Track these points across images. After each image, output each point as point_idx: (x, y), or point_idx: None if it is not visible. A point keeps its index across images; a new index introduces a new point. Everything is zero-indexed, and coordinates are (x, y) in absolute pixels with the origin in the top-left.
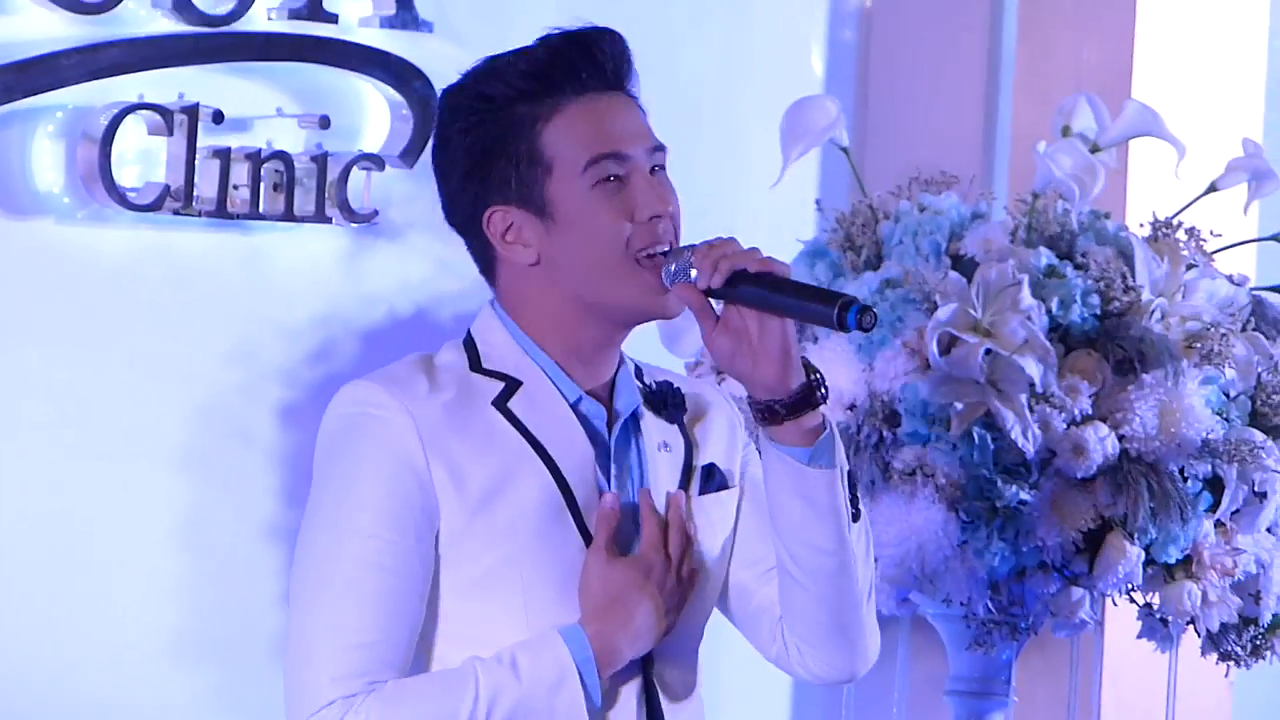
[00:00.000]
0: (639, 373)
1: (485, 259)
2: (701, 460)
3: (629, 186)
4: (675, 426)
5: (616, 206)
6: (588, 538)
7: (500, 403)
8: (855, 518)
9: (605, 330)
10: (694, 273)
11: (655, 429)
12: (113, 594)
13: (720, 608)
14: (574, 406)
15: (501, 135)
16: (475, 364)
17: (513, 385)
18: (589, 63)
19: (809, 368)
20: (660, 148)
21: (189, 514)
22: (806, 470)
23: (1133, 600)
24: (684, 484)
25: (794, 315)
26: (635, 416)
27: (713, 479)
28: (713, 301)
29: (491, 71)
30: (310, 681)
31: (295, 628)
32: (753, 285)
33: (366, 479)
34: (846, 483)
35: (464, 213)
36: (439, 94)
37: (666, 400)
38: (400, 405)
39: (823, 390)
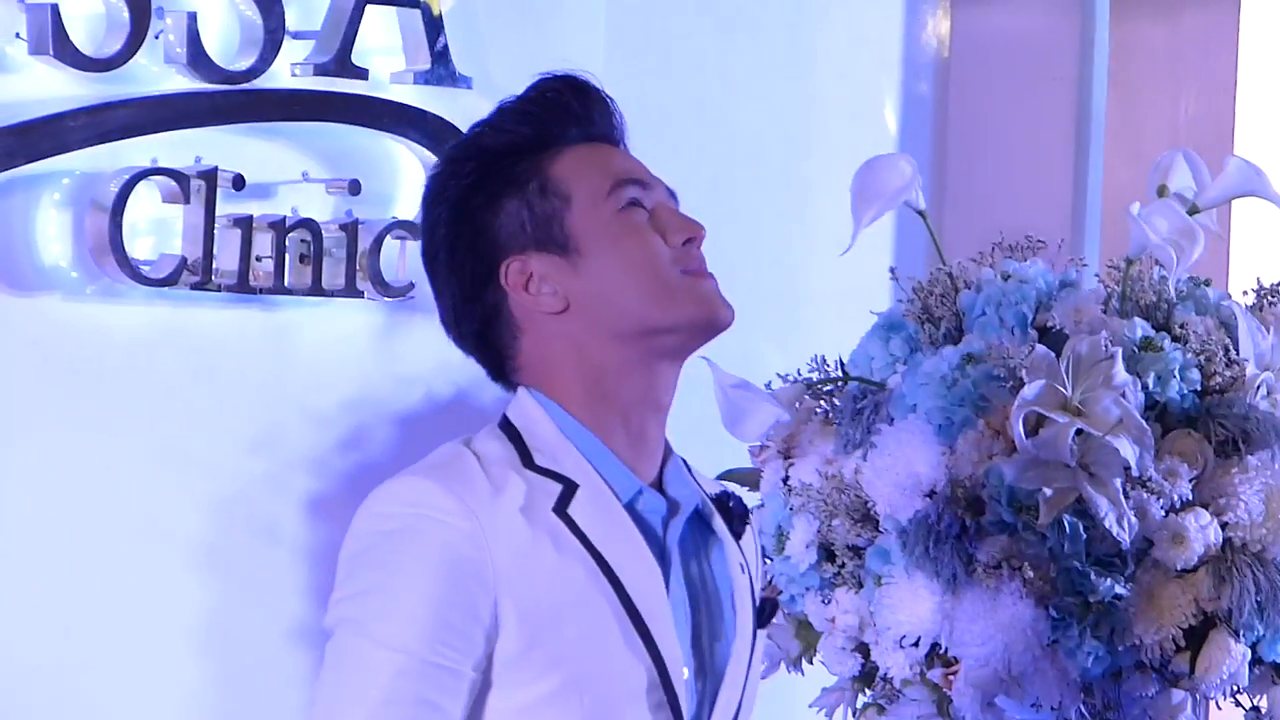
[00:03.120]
0: (690, 471)
1: (506, 337)
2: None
3: (655, 214)
4: (738, 545)
5: (647, 230)
6: (654, 652)
7: (560, 509)
8: None
9: (651, 369)
10: None
11: (733, 546)
12: (128, 703)
13: None
14: (631, 504)
15: (502, 178)
16: (527, 459)
17: (570, 487)
18: (580, 102)
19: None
20: (674, 193)
21: (210, 615)
22: None
23: (1238, 703)
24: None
25: None
26: (705, 520)
27: (763, 612)
28: None
29: (474, 129)
30: None
31: None
32: None
33: (420, 591)
34: None
35: (473, 284)
36: (425, 182)
37: (732, 511)
38: (467, 510)
39: None
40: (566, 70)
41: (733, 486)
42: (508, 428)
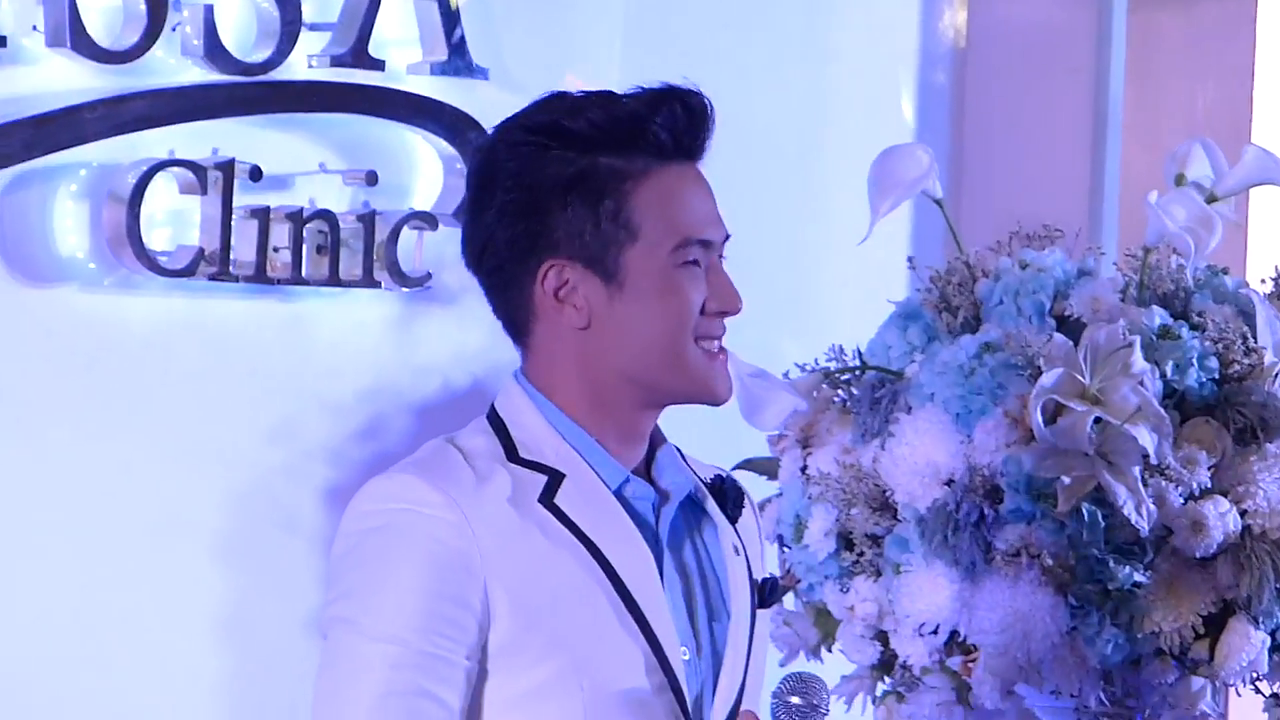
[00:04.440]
0: (684, 457)
1: (521, 315)
2: (755, 570)
3: (709, 275)
4: (733, 528)
5: (696, 290)
6: (649, 635)
7: (547, 499)
8: None
9: (641, 408)
10: None
11: (728, 529)
12: (149, 696)
13: None
14: (620, 492)
15: (583, 180)
16: (511, 453)
17: (555, 478)
18: (686, 128)
19: None
20: (728, 237)
21: (229, 606)
22: None
23: (1258, 690)
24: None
25: None
26: (698, 504)
27: (763, 592)
28: None
29: (575, 108)
30: None
31: None
32: None
33: (409, 583)
34: None
35: (510, 257)
36: (493, 129)
37: (728, 495)
38: (450, 501)
39: None
40: (688, 85)
41: (746, 475)
42: (494, 419)
